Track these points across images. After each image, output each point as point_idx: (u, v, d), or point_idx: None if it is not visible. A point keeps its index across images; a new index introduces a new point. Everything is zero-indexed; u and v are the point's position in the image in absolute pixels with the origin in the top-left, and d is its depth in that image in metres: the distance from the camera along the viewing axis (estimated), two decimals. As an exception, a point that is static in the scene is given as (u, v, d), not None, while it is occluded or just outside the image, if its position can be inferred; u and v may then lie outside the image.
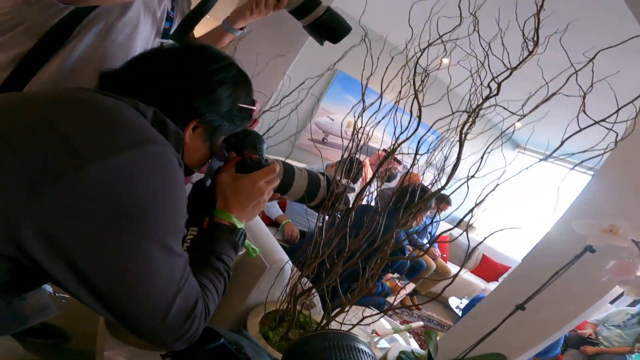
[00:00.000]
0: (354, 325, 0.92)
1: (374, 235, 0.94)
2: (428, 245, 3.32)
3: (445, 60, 0.90)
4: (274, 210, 2.60)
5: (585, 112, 0.61)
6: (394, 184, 3.03)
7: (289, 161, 0.85)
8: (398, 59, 0.91)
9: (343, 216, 0.91)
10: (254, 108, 0.72)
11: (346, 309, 0.95)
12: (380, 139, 1.02)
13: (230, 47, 1.10)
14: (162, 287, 0.46)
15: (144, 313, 0.45)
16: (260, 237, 1.21)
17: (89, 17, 0.76)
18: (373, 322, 1.08)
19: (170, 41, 0.96)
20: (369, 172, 2.85)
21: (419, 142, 0.78)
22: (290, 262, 1.10)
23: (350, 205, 0.91)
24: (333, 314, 0.96)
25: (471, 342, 1.08)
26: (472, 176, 0.68)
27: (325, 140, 3.66)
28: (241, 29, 1.03)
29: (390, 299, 2.49)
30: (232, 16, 1.00)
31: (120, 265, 0.43)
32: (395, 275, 2.67)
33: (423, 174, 0.90)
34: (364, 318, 0.90)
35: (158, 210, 0.46)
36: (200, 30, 1.00)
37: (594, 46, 0.66)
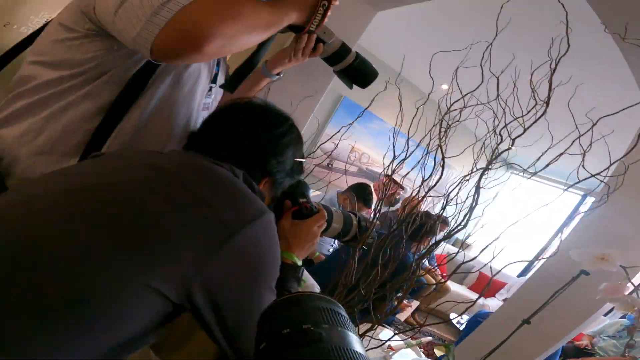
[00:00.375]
0: (384, 342, 1.04)
1: (397, 263, 1.07)
2: (443, 272, 3.42)
3: (444, 87, 1.03)
4: None
5: (584, 167, 0.76)
6: (395, 207, 3.17)
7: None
8: (416, 96, 1.03)
9: (374, 248, 1.04)
10: (305, 160, 0.85)
11: (375, 326, 1.07)
12: (382, 163, 1.13)
13: (265, 88, 1.21)
14: None
15: (253, 343, 0.57)
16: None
17: (160, 67, 0.80)
18: (398, 341, 1.20)
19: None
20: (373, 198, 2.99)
21: (448, 196, 0.92)
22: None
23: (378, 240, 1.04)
24: (363, 331, 1.08)
25: (480, 354, 1.20)
26: (485, 224, 0.81)
27: (330, 166, 3.80)
28: (277, 73, 1.11)
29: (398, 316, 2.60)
30: (271, 62, 1.08)
31: (246, 309, 0.55)
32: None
33: (443, 210, 1.03)
34: (395, 334, 1.02)
35: (272, 264, 0.59)
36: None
37: (595, 107, 0.81)
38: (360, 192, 2.72)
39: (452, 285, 4.10)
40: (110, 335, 0.47)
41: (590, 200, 4.63)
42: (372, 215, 1.06)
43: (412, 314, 3.62)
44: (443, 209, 0.94)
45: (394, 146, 1.00)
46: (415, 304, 3.47)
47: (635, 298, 0.98)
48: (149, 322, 0.51)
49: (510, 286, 4.57)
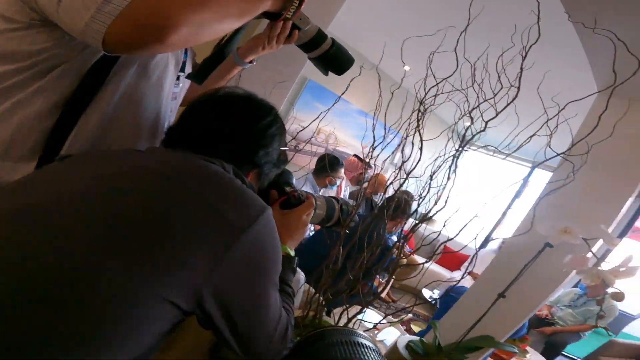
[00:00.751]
0: (375, 325, 1.10)
1: (378, 244, 1.12)
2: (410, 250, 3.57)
3: (407, 68, 1.07)
4: None
5: (550, 147, 0.83)
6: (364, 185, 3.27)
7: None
8: (385, 81, 1.07)
9: (358, 232, 1.08)
10: (287, 149, 0.86)
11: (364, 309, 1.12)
12: (349, 143, 1.18)
13: (235, 76, 1.19)
14: (273, 317, 0.60)
15: (262, 340, 0.59)
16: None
17: (123, 57, 0.75)
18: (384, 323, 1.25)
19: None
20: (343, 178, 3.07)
21: (432, 175, 0.97)
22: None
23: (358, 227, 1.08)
24: (351, 315, 1.13)
25: (460, 328, 1.29)
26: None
27: (297, 148, 3.81)
28: (250, 61, 1.08)
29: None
30: (244, 50, 1.05)
31: (256, 309, 0.57)
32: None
33: (426, 192, 1.08)
34: (386, 316, 1.08)
35: (277, 260, 0.60)
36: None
37: (560, 92, 0.88)
38: (328, 162, 2.84)
39: (420, 260, 4.29)
40: (125, 350, 0.46)
41: (537, 172, 5.00)
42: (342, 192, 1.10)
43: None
44: (427, 190, 1.00)
45: (373, 132, 1.03)
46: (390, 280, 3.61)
47: (601, 270, 1.08)
48: (160, 333, 0.50)
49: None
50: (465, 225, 0.99)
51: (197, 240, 0.50)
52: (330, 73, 1.04)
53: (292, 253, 0.81)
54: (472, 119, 0.99)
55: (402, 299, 4.00)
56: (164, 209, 0.51)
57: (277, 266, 0.61)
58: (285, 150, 0.82)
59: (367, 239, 1.07)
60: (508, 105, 0.86)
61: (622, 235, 4.55)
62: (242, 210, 0.55)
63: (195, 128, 0.71)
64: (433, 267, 4.55)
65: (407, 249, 3.91)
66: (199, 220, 0.51)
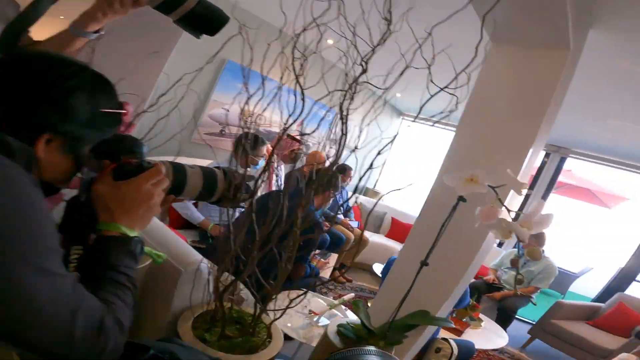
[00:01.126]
0: (284, 310, 1.00)
1: (281, 218, 1.02)
2: (343, 216, 3.53)
3: (330, 42, 0.98)
4: (196, 215, 2.62)
5: (432, 81, 0.76)
6: (300, 164, 3.19)
7: (186, 160, 0.87)
8: (280, 40, 0.98)
9: (248, 206, 0.97)
10: (123, 112, 0.71)
11: (274, 295, 1.02)
12: (279, 122, 1.08)
13: (87, 49, 1.03)
14: (53, 309, 0.48)
15: (48, 339, 0.48)
16: (168, 242, 1.20)
17: None
18: (316, 304, 1.17)
19: None
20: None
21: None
22: (206, 261, 1.14)
23: (252, 191, 0.97)
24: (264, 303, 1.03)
25: (393, 305, 1.21)
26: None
27: (223, 133, 3.66)
28: (96, 31, 0.94)
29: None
30: (81, 20, 0.91)
31: None
32: (317, 252, 2.84)
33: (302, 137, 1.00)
34: (291, 301, 0.99)
35: (20, 234, 0.47)
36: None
37: (430, 22, 0.81)
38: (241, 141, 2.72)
39: (369, 235, 4.30)
40: None
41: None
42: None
43: (339, 270, 3.72)
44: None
45: (246, 85, 0.92)
46: (332, 260, 3.56)
47: (510, 222, 1.02)
48: None
49: (418, 228, 4.92)
50: (367, 179, 0.91)
51: None
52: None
53: (132, 233, 0.66)
54: (363, 66, 0.91)
55: (358, 278, 4.00)
56: None
57: (30, 242, 0.48)
58: (108, 111, 0.67)
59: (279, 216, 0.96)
60: (382, 39, 0.78)
61: (547, 192, 4.80)
62: None
63: None
64: (383, 240, 4.57)
65: (355, 223, 3.87)
66: None
